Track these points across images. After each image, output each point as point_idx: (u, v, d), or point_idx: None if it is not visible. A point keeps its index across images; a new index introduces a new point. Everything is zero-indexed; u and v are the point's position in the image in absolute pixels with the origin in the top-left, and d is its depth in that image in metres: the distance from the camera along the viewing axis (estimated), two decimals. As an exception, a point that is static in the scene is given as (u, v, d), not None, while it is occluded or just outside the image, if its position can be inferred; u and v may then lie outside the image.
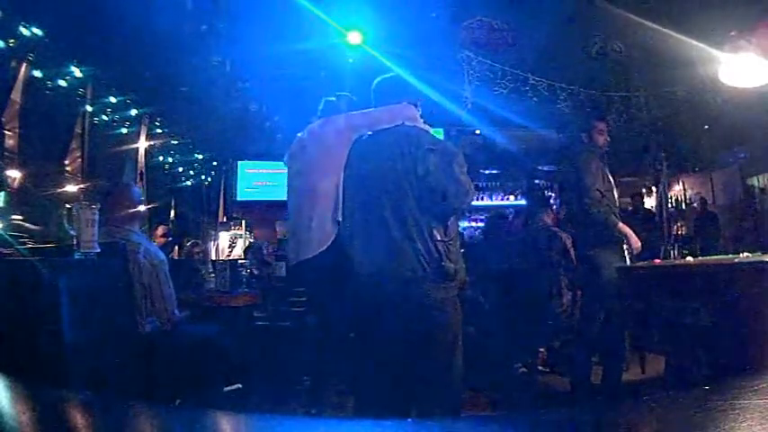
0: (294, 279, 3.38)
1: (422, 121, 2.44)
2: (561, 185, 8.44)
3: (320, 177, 2.45)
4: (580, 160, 3.83)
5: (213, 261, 4.84)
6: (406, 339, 2.17)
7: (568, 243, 4.42)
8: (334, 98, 2.78)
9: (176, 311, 2.84)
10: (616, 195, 3.84)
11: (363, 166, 2.34)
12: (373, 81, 2.59)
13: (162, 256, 2.91)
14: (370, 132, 2.41)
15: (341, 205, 2.36)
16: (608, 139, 3.93)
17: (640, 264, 3.54)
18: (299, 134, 2.75)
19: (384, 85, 2.57)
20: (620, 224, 3.68)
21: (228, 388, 3.04)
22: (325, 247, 2.39)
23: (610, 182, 3.78)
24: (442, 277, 2.16)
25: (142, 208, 2.99)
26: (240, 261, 6.08)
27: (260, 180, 10.72)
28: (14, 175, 6.56)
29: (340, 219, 2.37)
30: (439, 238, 2.17)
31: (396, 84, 2.63)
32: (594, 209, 3.64)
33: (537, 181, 12.06)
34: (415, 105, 2.46)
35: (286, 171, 2.81)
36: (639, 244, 3.65)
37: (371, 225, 2.23)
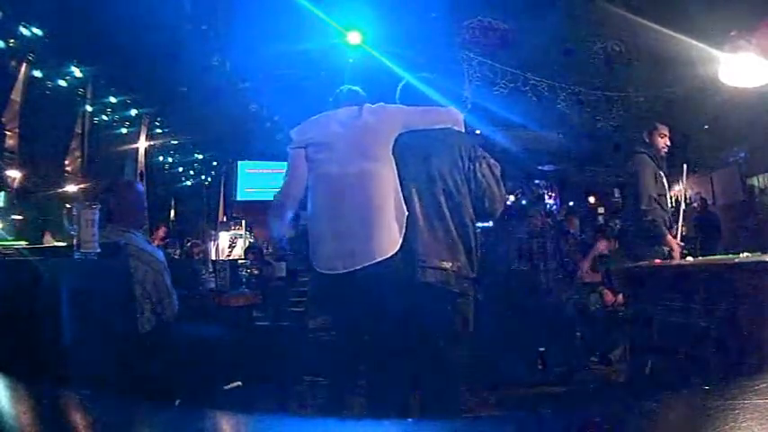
0: (341, 292, 2.27)
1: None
2: (620, 186, 8.50)
3: (384, 164, 2.25)
4: (636, 164, 3.80)
5: (213, 261, 4.83)
6: (443, 334, 2.28)
7: (561, 242, 4.44)
8: (346, 88, 2.63)
9: (176, 304, 2.85)
10: (668, 199, 3.89)
11: (418, 162, 2.35)
12: (371, 82, 2.60)
13: (160, 254, 2.91)
14: (414, 129, 2.39)
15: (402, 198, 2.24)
16: (668, 143, 3.91)
17: (640, 264, 3.54)
18: (329, 114, 2.44)
19: (410, 89, 2.58)
20: (669, 237, 3.68)
21: (228, 386, 3.04)
22: (396, 249, 2.14)
23: (664, 186, 3.80)
24: (474, 271, 2.34)
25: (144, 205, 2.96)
26: (240, 261, 6.08)
27: (260, 180, 10.73)
28: (14, 175, 6.56)
29: (406, 212, 2.21)
30: (478, 237, 2.37)
31: (420, 90, 2.63)
32: (649, 215, 3.66)
33: (537, 181, 12.08)
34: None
35: (289, 162, 2.45)
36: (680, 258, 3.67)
37: (432, 221, 2.29)
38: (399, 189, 2.25)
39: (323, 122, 2.42)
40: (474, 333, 2.44)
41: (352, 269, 2.13)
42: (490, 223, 4.60)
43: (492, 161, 2.39)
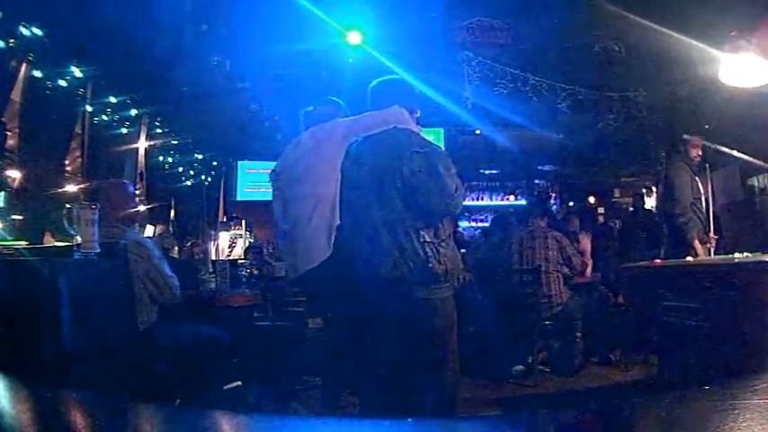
0: (301, 289, 3.21)
1: (415, 123, 2.45)
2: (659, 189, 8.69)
3: (319, 184, 2.41)
4: (673, 170, 4.18)
5: (213, 261, 4.83)
6: (394, 340, 2.20)
7: (564, 242, 4.43)
8: (312, 108, 2.72)
9: (176, 288, 2.87)
10: (704, 204, 4.10)
11: (355, 169, 2.36)
12: (370, 83, 2.59)
13: (149, 242, 2.94)
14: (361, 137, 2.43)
15: (338, 210, 2.35)
16: (700, 153, 4.29)
17: (640, 264, 3.54)
18: (288, 146, 2.67)
19: (381, 88, 2.55)
20: (696, 242, 3.91)
21: (228, 386, 3.04)
22: (327, 255, 2.32)
23: (699, 190, 4.09)
24: (430, 278, 2.18)
25: (141, 208, 3.00)
26: (240, 261, 6.07)
27: (260, 180, 10.72)
28: (14, 175, 6.57)
29: (338, 223, 2.34)
30: (427, 240, 2.19)
31: (393, 86, 2.60)
32: (682, 218, 3.93)
33: (537, 181, 12.08)
34: (411, 110, 2.46)
35: (274, 169, 2.71)
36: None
37: (363, 228, 2.27)
38: (335, 202, 2.34)
39: (286, 152, 2.68)
40: (472, 333, 2.43)
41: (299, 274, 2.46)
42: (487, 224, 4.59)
43: (436, 153, 2.30)
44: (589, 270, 4.75)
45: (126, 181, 3.18)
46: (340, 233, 2.33)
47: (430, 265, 2.16)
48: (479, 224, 11.04)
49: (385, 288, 2.18)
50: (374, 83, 2.56)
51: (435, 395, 2.24)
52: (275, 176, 2.66)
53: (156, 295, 2.75)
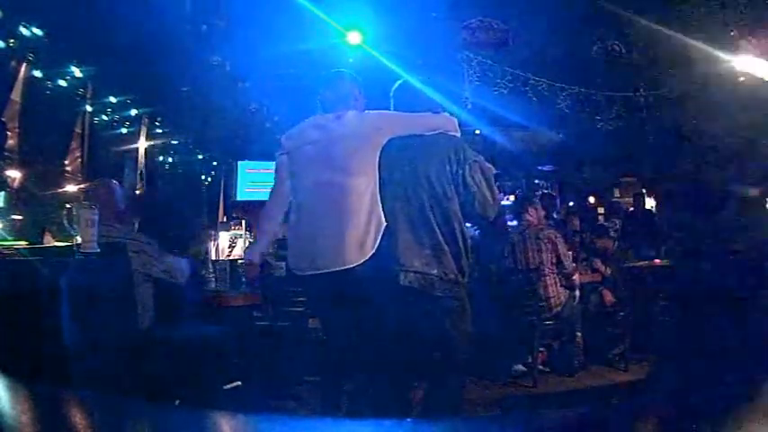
0: (321, 292, 2.41)
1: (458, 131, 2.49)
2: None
3: (353, 175, 2.28)
4: None
5: (213, 261, 4.82)
6: (416, 338, 2.26)
7: (558, 242, 4.40)
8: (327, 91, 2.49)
9: (184, 268, 2.91)
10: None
11: (406, 168, 2.34)
12: (372, 82, 2.58)
13: (144, 237, 2.96)
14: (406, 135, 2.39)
15: (380, 209, 2.27)
16: None
17: (640, 263, 3.54)
18: (306, 123, 2.49)
19: (404, 90, 2.57)
20: None
21: (228, 386, 3.04)
22: (371, 253, 2.19)
23: None
24: (464, 276, 2.33)
25: (121, 208, 3.02)
26: (240, 261, 6.06)
27: (260, 180, 10.71)
28: (14, 175, 6.56)
29: (383, 225, 2.24)
30: (467, 241, 2.36)
31: (416, 89, 2.61)
32: None
33: (537, 181, 12.07)
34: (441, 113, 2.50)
35: (275, 169, 2.54)
36: None
37: (417, 227, 2.29)
38: (378, 198, 2.26)
39: (305, 130, 2.46)
40: (472, 334, 2.44)
41: (317, 272, 2.26)
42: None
43: (485, 164, 2.38)
44: (577, 276, 4.63)
45: (114, 181, 3.21)
46: (386, 234, 2.25)
47: (465, 263, 2.31)
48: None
49: (444, 287, 2.26)
50: (398, 84, 2.58)
51: (446, 394, 2.30)
52: (286, 149, 2.46)
53: (169, 280, 2.81)
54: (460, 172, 2.29)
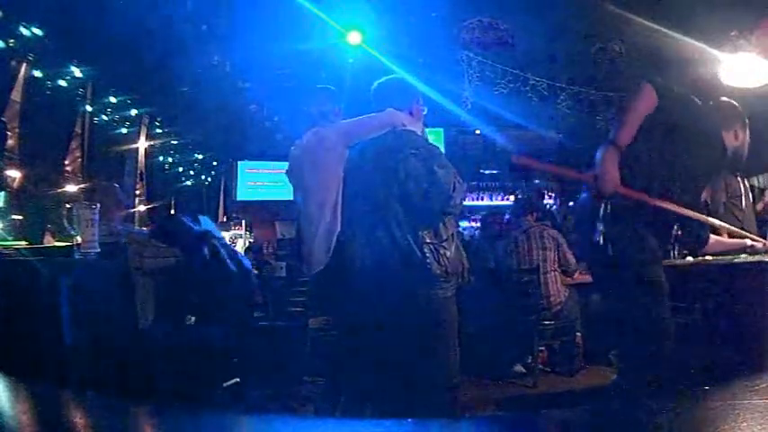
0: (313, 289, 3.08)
1: (420, 121, 2.44)
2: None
3: (314, 195, 2.44)
4: None
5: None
6: (394, 340, 2.20)
7: (561, 240, 4.41)
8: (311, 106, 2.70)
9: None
10: (743, 200, 3.98)
11: (356, 175, 2.36)
12: (372, 82, 2.58)
13: (144, 232, 3.00)
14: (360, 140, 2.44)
15: (338, 216, 2.37)
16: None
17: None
18: (292, 148, 2.67)
19: (379, 89, 2.54)
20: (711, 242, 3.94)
21: (227, 383, 3.04)
22: (326, 260, 2.37)
23: (734, 189, 3.97)
24: (429, 279, 2.19)
25: (141, 207, 3.04)
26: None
27: (260, 180, 10.73)
28: (14, 175, 6.57)
29: (338, 229, 2.36)
30: (428, 241, 2.20)
31: (391, 87, 2.59)
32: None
33: (537, 181, 12.07)
34: (411, 110, 2.46)
35: (286, 170, 2.76)
36: None
37: (364, 233, 2.28)
38: (335, 207, 2.36)
39: (291, 152, 2.68)
40: (472, 333, 2.43)
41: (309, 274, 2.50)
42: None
43: (432, 154, 2.30)
44: (578, 275, 4.62)
45: (116, 185, 3.24)
46: (342, 238, 2.34)
47: (428, 265, 2.17)
48: (479, 224, 11.04)
49: (385, 289, 2.20)
50: (375, 84, 2.56)
51: (435, 395, 2.24)
52: (288, 177, 2.72)
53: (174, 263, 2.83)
54: (396, 166, 2.23)
